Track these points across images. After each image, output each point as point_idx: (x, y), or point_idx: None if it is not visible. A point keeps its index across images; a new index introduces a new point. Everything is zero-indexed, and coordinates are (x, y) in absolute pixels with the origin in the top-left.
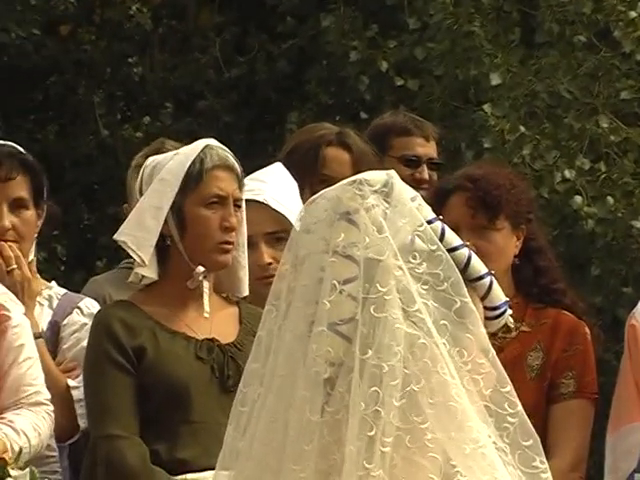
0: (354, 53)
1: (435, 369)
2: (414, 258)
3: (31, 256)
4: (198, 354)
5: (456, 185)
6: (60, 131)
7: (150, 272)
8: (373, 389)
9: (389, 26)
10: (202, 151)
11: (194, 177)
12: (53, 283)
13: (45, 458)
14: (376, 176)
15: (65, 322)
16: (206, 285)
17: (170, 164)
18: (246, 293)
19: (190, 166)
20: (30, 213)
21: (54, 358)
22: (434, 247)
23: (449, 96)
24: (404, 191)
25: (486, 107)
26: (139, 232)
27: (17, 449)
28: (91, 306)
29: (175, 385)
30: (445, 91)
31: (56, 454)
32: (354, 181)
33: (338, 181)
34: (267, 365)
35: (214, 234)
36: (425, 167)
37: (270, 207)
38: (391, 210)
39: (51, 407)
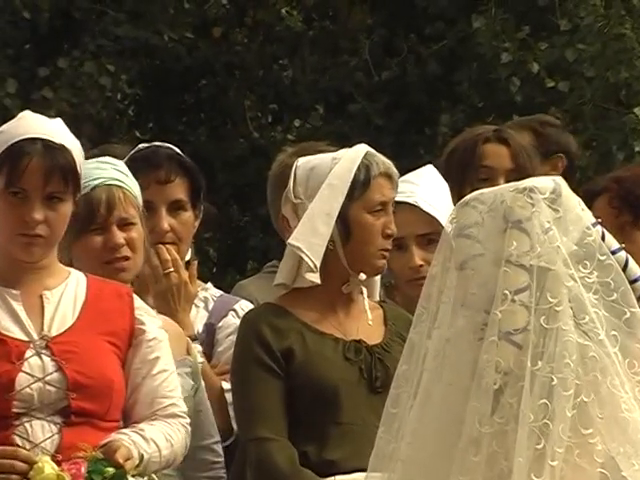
0: (505, 55)
1: (605, 381)
2: (584, 267)
3: (187, 257)
4: (346, 355)
5: (602, 187)
6: (211, 133)
7: (316, 277)
8: (542, 401)
9: (540, 27)
10: (365, 158)
11: (361, 184)
12: (209, 284)
13: (211, 464)
14: (544, 183)
15: (220, 324)
16: (365, 291)
17: (336, 170)
18: (378, 298)
19: (356, 172)
20: (188, 215)
21: (209, 361)
22: (604, 256)
23: (600, 98)
24: (571, 197)
25: (637, 110)
26: (312, 238)
27: (143, 456)
28: (246, 308)
29: (324, 386)
30: (596, 93)
31: (221, 460)
32: (524, 188)
33: (498, 174)
34: (419, 368)
35: (377, 240)
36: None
37: (421, 209)
38: (560, 217)
39: (187, 420)
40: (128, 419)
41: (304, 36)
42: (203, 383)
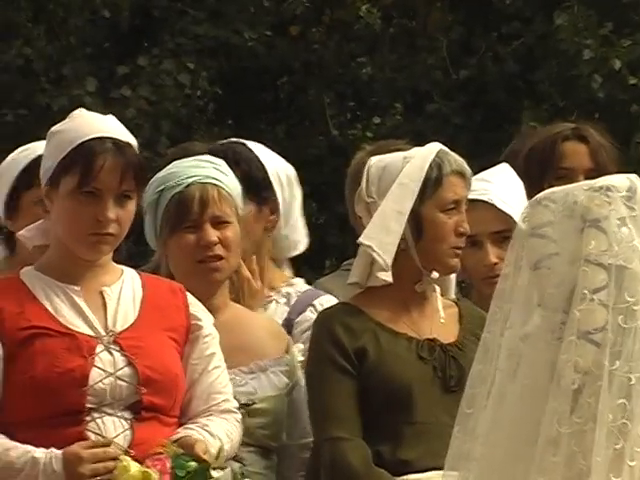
0: (587, 51)
1: None
2: None
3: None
4: (420, 354)
5: None
6: (289, 131)
7: (388, 276)
8: (621, 401)
9: (623, 24)
10: (437, 156)
11: (433, 182)
12: (297, 280)
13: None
14: (620, 181)
15: (298, 320)
16: (437, 289)
17: (408, 168)
18: (453, 296)
19: (428, 171)
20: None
21: None
22: None
23: None
24: None
25: None
26: (384, 236)
27: (214, 451)
28: (326, 303)
29: (398, 386)
30: None
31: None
32: (600, 187)
33: (577, 174)
34: (493, 368)
35: (449, 238)
36: None
37: (496, 207)
38: (636, 215)
39: (239, 415)
40: (183, 415)
41: (383, 34)
42: (303, 381)
